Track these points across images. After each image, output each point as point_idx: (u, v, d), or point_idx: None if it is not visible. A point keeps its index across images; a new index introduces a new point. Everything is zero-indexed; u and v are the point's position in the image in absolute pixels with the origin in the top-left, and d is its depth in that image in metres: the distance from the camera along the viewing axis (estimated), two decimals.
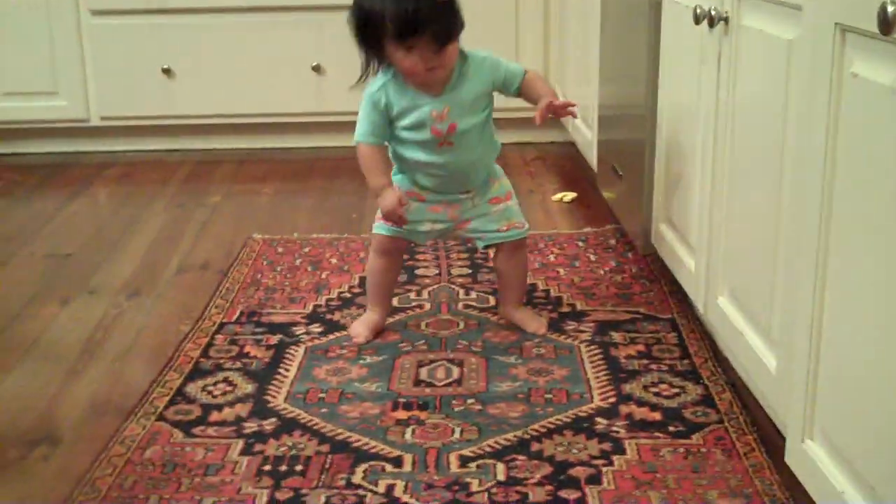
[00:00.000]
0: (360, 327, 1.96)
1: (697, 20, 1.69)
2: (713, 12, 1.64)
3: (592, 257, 2.36)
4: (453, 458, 1.51)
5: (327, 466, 1.50)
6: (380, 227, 1.94)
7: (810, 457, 1.26)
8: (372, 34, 1.77)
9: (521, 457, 1.51)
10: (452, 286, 2.19)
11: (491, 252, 2.03)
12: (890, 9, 0.96)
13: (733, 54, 1.60)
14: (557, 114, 1.86)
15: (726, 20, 1.61)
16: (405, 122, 1.84)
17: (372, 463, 1.51)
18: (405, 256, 2.33)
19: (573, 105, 1.87)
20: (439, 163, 1.86)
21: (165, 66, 3.42)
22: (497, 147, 1.97)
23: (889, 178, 1.04)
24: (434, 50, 1.76)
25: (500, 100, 3.73)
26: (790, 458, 1.34)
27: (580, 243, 2.45)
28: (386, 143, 1.90)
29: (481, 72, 1.87)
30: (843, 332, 1.18)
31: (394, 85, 1.83)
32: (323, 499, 1.42)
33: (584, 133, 2.92)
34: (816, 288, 1.23)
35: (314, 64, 3.43)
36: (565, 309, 2.06)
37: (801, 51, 1.31)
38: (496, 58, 1.91)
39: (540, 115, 1.85)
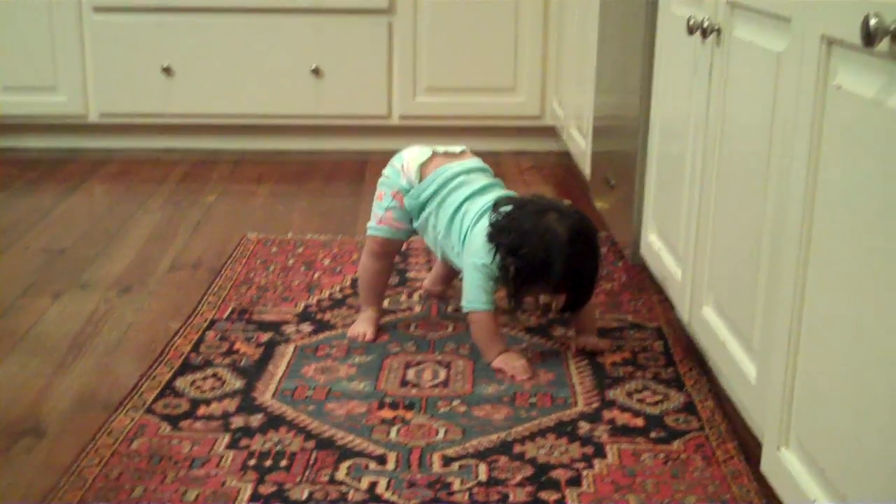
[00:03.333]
0: (362, 326, 1.98)
1: (691, 31, 1.71)
2: (706, 23, 1.66)
3: None
4: (436, 458, 1.53)
5: (312, 462, 1.51)
6: (379, 230, 1.97)
7: (784, 465, 1.27)
8: (530, 272, 1.78)
9: (503, 458, 1.53)
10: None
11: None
12: (872, 21, 0.98)
13: (724, 65, 1.62)
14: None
15: (719, 31, 1.63)
16: None
17: (356, 460, 1.52)
18: (397, 261, 2.36)
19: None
20: None
21: (165, 65, 3.44)
22: None
23: (867, 192, 1.06)
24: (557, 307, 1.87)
25: (496, 107, 3.75)
26: (766, 466, 1.35)
27: None
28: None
29: None
30: (819, 345, 1.19)
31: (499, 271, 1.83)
32: (306, 494, 1.43)
33: (579, 143, 2.95)
34: (795, 300, 1.25)
35: (313, 67, 3.45)
36: (553, 315, 2.07)
37: (790, 62, 1.32)
38: None
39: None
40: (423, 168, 1.94)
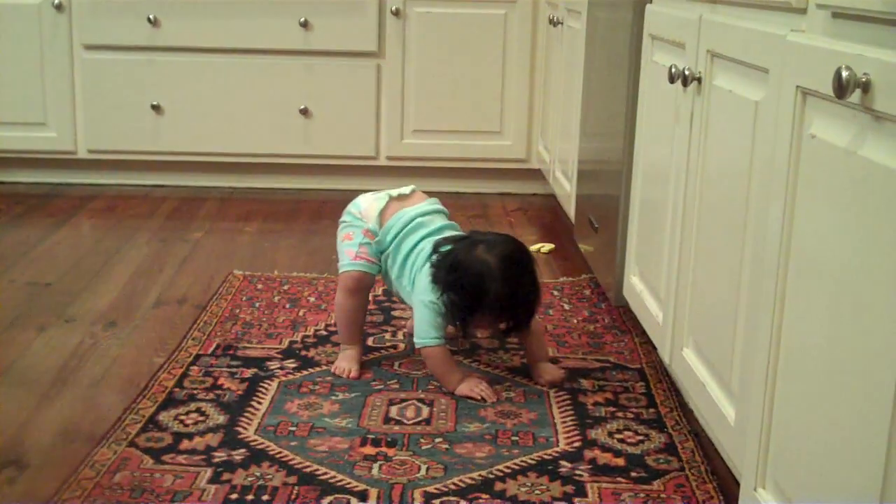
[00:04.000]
0: (346, 363, 2.00)
1: (672, 79, 1.75)
2: (687, 72, 1.70)
3: (567, 307, 2.40)
4: (418, 495, 1.54)
5: (293, 497, 1.52)
6: (355, 265, 2.00)
7: None
8: (469, 302, 1.86)
9: (484, 496, 1.54)
10: None
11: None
12: (844, 74, 1.02)
13: (705, 113, 1.66)
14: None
15: (699, 80, 1.68)
16: None
17: (338, 496, 1.53)
18: (383, 298, 2.37)
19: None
20: None
21: (155, 103, 3.47)
22: None
23: (841, 238, 1.09)
24: (504, 329, 1.94)
25: (483, 149, 3.79)
26: None
27: (555, 293, 2.50)
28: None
29: None
30: (795, 388, 1.22)
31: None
32: None
33: (564, 186, 2.99)
34: (772, 344, 1.27)
35: (302, 107, 3.49)
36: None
37: (767, 112, 1.36)
38: None
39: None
40: (382, 214, 2.01)
